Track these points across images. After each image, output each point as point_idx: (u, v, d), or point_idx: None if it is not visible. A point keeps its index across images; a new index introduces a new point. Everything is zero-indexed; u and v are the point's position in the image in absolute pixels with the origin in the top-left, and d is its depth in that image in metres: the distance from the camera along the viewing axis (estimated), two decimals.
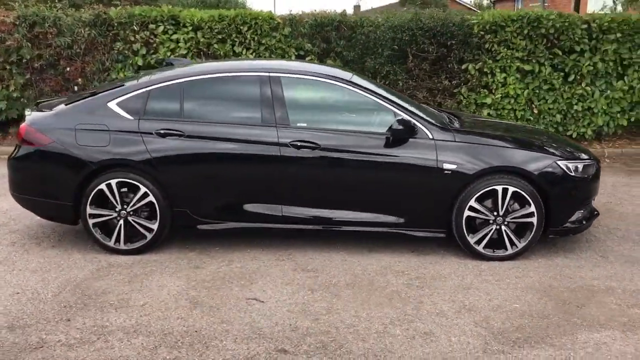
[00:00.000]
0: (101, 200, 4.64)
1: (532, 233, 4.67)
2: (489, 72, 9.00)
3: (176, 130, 4.60)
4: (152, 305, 3.86)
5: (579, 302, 4.01)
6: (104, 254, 4.74)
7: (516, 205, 4.67)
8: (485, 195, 4.63)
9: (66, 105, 4.82)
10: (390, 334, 3.52)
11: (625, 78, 9.00)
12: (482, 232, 4.68)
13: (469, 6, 45.28)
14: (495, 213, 4.64)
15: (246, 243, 4.98)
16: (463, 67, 8.97)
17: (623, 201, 6.56)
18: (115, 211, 4.65)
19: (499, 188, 4.60)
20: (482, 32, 8.86)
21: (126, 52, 8.66)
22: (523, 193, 4.60)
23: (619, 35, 8.77)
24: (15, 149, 4.86)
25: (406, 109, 4.76)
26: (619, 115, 9.12)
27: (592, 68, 8.89)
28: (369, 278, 4.37)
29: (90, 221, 4.67)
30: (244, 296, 4.02)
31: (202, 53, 8.70)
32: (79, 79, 8.77)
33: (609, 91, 9.01)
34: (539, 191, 4.64)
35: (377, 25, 8.88)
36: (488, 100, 9.00)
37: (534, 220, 4.64)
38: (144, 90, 4.72)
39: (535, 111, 9.09)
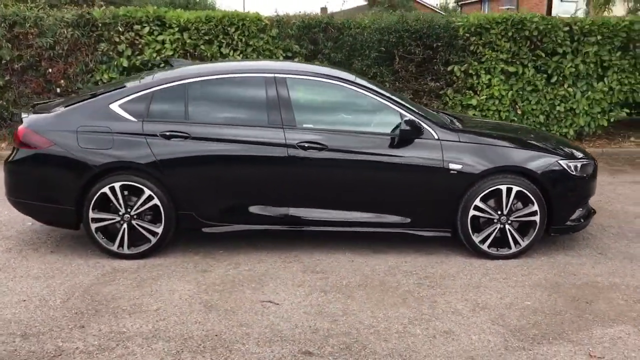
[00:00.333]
0: (104, 204, 4.55)
1: (535, 231, 4.75)
2: (474, 73, 9.14)
3: (182, 132, 4.54)
4: (166, 309, 3.80)
5: (587, 299, 4.09)
6: (106, 258, 4.64)
7: (519, 204, 4.73)
8: (489, 195, 4.69)
9: (66, 107, 4.71)
10: (411, 333, 3.54)
11: (605, 79, 9.25)
12: (487, 231, 4.73)
13: (434, 8, 45.89)
14: (499, 212, 4.70)
15: (250, 245, 4.94)
16: (449, 68, 9.09)
17: (611, 199, 6.72)
18: (119, 215, 4.56)
19: (504, 187, 4.66)
20: (467, 35, 9.00)
21: (111, 53, 8.52)
22: (526, 192, 4.67)
23: (599, 37, 9.02)
24: (12, 152, 4.73)
25: (411, 109, 4.80)
26: (599, 115, 9.37)
27: (573, 70, 9.11)
28: (380, 278, 4.38)
29: (93, 225, 4.57)
30: (258, 299, 3.98)
31: (188, 54, 8.60)
32: (62, 81, 8.59)
33: (589, 92, 9.25)
34: (542, 190, 4.71)
35: (364, 27, 8.93)
36: (473, 102, 9.13)
37: (537, 218, 4.72)
38: (147, 91, 4.65)
39: (519, 112, 9.26)
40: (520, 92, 9.19)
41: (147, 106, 4.60)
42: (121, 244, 4.60)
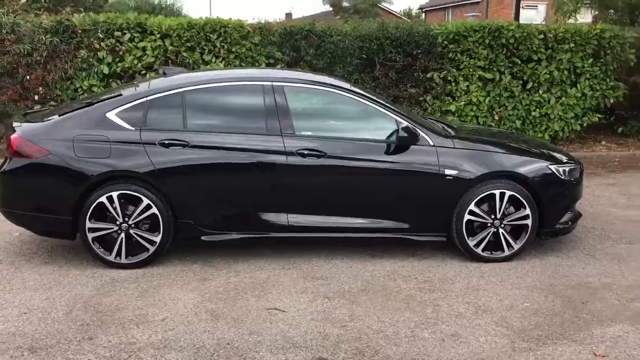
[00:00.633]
0: (101, 214, 4.49)
1: (527, 234, 4.88)
2: (452, 80, 9.31)
3: (181, 140, 4.52)
4: (173, 319, 3.78)
5: (582, 299, 4.22)
6: (103, 268, 4.58)
7: (512, 209, 4.86)
8: (483, 199, 4.80)
9: (60, 115, 4.64)
10: (420, 337, 3.60)
11: (578, 85, 9.54)
12: (481, 235, 4.84)
13: (398, 15, 46.57)
14: (493, 216, 4.82)
15: (247, 253, 4.94)
16: (428, 75, 9.25)
17: (591, 202, 6.93)
18: (116, 224, 4.51)
19: (497, 192, 4.78)
20: (445, 42, 9.17)
21: (91, 60, 8.39)
22: (519, 196, 4.80)
23: (572, 45, 9.30)
24: (4, 162, 4.63)
25: (406, 116, 4.88)
26: (572, 120, 9.65)
27: (548, 76, 9.37)
28: (380, 283, 4.44)
29: (90, 235, 4.51)
30: (263, 306, 3.99)
31: (170, 61, 8.54)
32: (40, 88, 8.41)
33: (563, 98, 9.52)
34: (533, 194, 4.85)
35: (346, 35, 9.02)
36: (452, 108, 9.30)
37: (529, 222, 4.85)
38: (144, 100, 4.62)
39: (497, 117, 9.47)
40: (497, 98, 9.40)
41: (145, 114, 4.58)
42: (118, 254, 4.55)
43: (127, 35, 8.38)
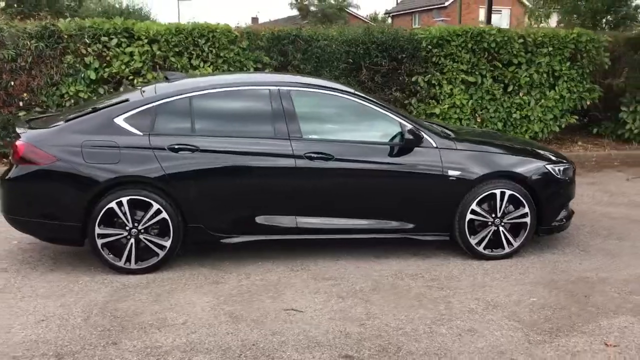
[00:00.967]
0: (110, 220, 4.49)
1: (526, 232, 5.05)
2: (436, 83, 9.51)
3: (190, 145, 4.55)
4: (193, 322, 3.81)
5: (584, 293, 4.40)
6: (112, 274, 4.57)
7: (511, 207, 5.02)
8: (484, 199, 4.95)
9: (66, 121, 4.62)
10: (438, 333, 3.71)
11: (556, 88, 9.83)
12: (483, 234, 4.99)
13: (365, 20, 47.05)
14: (493, 215, 4.97)
15: (254, 256, 4.98)
16: (413, 79, 9.42)
17: (575, 200, 7.03)
18: (126, 230, 4.51)
19: (497, 192, 4.94)
20: (429, 47, 9.36)
21: (77, 65, 8.30)
22: (518, 195, 4.97)
23: (550, 49, 9.59)
24: (10, 169, 4.58)
25: (409, 119, 5.01)
26: (551, 122, 9.94)
27: (528, 79, 9.65)
28: (390, 282, 4.54)
29: (99, 241, 4.50)
30: (280, 307, 4.05)
31: (158, 66, 8.51)
32: (24, 94, 8.28)
33: (543, 100, 9.81)
34: (531, 193, 5.02)
35: (332, 39, 9.13)
36: (437, 111, 9.49)
37: (528, 220, 5.02)
38: (151, 105, 4.63)
39: (479, 120, 9.70)
40: (480, 101, 9.63)
41: (153, 120, 4.59)
42: (128, 259, 4.55)
43: (115, 41, 8.32)
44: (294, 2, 46.60)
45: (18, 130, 4.65)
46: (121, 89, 8.13)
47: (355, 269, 4.80)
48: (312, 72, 9.02)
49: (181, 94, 4.69)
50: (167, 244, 4.58)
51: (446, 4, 41.64)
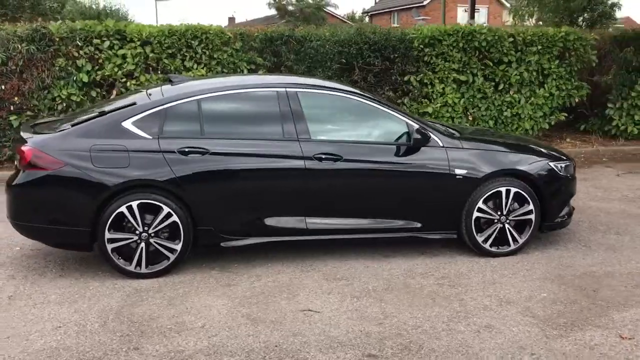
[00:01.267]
0: (120, 224, 4.46)
1: (531, 229, 5.12)
2: (428, 83, 9.59)
3: (200, 148, 4.54)
4: (212, 325, 3.80)
5: (592, 287, 4.48)
6: (122, 279, 4.54)
7: (516, 205, 5.09)
8: (490, 197, 5.01)
9: (73, 126, 4.57)
10: (457, 330, 3.76)
11: (546, 86, 9.98)
12: (489, 231, 5.05)
13: (343, 19, 47.14)
14: (499, 212, 5.04)
15: (263, 258, 4.99)
16: (405, 78, 9.49)
17: None
18: (136, 234, 4.48)
19: (503, 189, 5.00)
20: (421, 46, 9.43)
21: (69, 68, 8.21)
22: (523, 193, 5.04)
23: (539, 47, 9.73)
24: (16, 175, 4.52)
25: (415, 118, 5.05)
26: (541, 119, 10.09)
27: (518, 77, 9.78)
28: (401, 281, 4.58)
29: (109, 246, 4.46)
30: (297, 308, 4.07)
31: (151, 68, 8.45)
32: (15, 98, 8.17)
33: (533, 98, 9.94)
34: (536, 190, 5.10)
35: (325, 40, 9.15)
36: (429, 109, 9.57)
37: (533, 217, 5.09)
38: (159, 108, 4.61)
39: (471, 118, 9.80)
40: (471, 100, 9.74)
41: (161, 123, 4.57)
42: (139, 264, 4.52)
43: (107, 43, 8.25)
44: (272, 1, 46.43)
45: (23, 135, 4.59)
46: (114, 91, 8.08)
47: (365, 269, 4.83)
48: (305, 73, 9.04)
49: (189, 97, 4.68)
50: (178, 247, 4.56)
51: (424, 2, 41.91)
